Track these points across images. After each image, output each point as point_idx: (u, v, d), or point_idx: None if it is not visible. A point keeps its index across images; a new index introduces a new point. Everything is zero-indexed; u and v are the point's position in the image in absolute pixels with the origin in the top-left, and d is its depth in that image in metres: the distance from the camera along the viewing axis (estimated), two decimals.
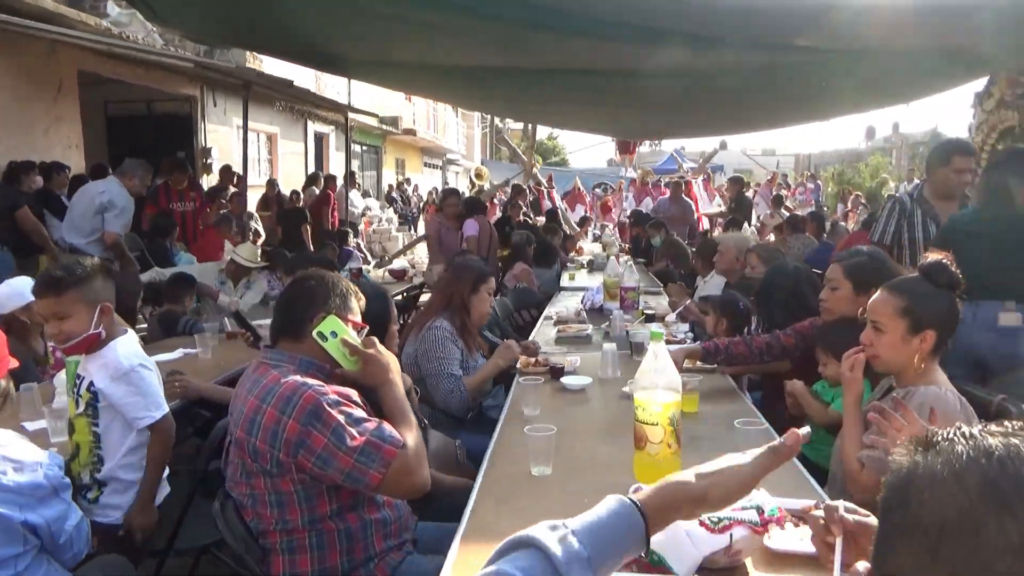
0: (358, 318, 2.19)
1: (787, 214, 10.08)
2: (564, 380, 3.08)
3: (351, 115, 11.84)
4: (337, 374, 2.13)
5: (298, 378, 1.96)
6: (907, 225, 3.83)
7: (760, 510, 1.57)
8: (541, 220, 10.96)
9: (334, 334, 2.08)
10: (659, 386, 1.95)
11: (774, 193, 13.87)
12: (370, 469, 1.89)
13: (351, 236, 10.01)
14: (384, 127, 19.36)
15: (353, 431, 1.90)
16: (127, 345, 2.54)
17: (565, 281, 6.92)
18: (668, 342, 3.78)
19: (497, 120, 32.72)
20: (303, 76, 11.91)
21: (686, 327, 4.22)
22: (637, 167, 18.04)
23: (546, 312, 5.08)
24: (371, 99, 16.44)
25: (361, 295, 2.22)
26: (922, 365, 2.16)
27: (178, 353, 4.00)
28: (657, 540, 1.52)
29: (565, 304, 5.49)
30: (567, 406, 2.86)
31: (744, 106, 10.44)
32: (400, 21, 4.75)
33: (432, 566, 1.89)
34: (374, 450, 1.90)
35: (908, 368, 2.16)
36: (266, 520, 1.97)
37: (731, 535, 1.51)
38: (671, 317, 4.23)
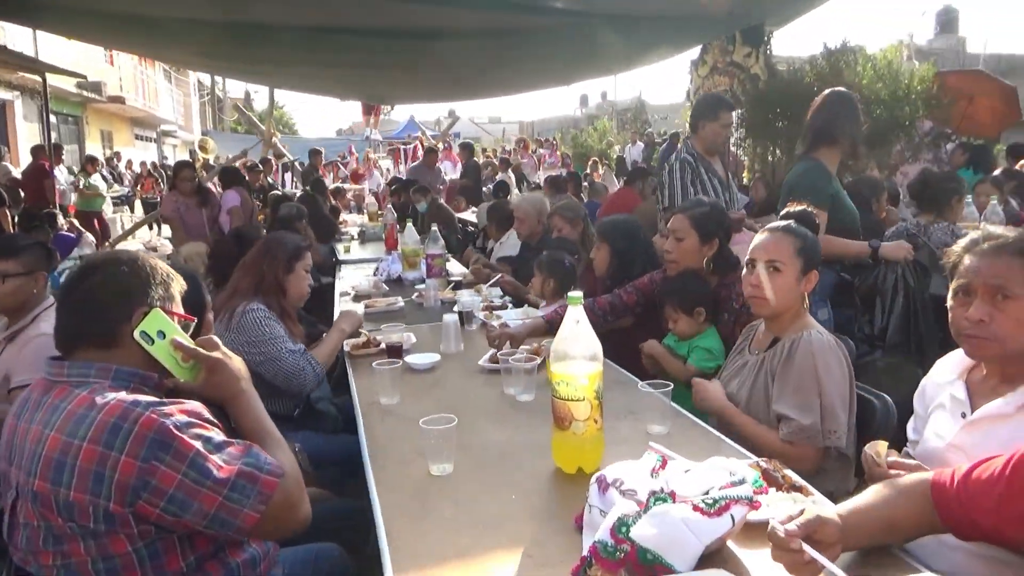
0: (182, 309, 1.68)
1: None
2: (409, 360, 2.74)
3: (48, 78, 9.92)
4: (167, 385, 1.61)
5: (123, 397, 1.44)
6: (699, 183, 3.84)
7: (742, 481, 1.41)
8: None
9: (161, 334, 1.57)
10: (582, 356, 1.72)
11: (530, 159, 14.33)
12: (244, 508, 1.44)
13: (59, 218, 8.46)
14: (85, 93, 16.74)
15: (217, 459, 1.44)
16: None
17: (341, 254, 6.42)
18: (489, 308, 3.60)
19: (218, 89, 30.09)
20: None
21: (499, 292, 4.05)
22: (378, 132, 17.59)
23: (340, 288, 4.61)
24: (63, 58, 14.04)
25: (181, 279, 1.70)
26: (802, 307, 2.19)
27: None
28: (649, 535, 1.30)
29: (353, 278, 5.04)
30: (423, 389, 2.53)
31: (479, 70, 10.57)
32: None
33: None
34: (249, 482, 1.45)
35: (792, 309, 2.16)
36: None
37: (731, 516, 1.32)
38: (486, 287, 4.03)
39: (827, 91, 3.45)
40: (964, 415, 1.69)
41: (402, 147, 17.13)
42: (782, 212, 2.41)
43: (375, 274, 4.82)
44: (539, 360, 2.37)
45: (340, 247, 6.67)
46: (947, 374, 1.79)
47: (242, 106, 22.02)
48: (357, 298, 4.25)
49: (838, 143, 3.27)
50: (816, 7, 9.37)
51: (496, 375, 2.62)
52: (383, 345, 2.93)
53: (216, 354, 1.66)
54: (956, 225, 3.82)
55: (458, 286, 4.27)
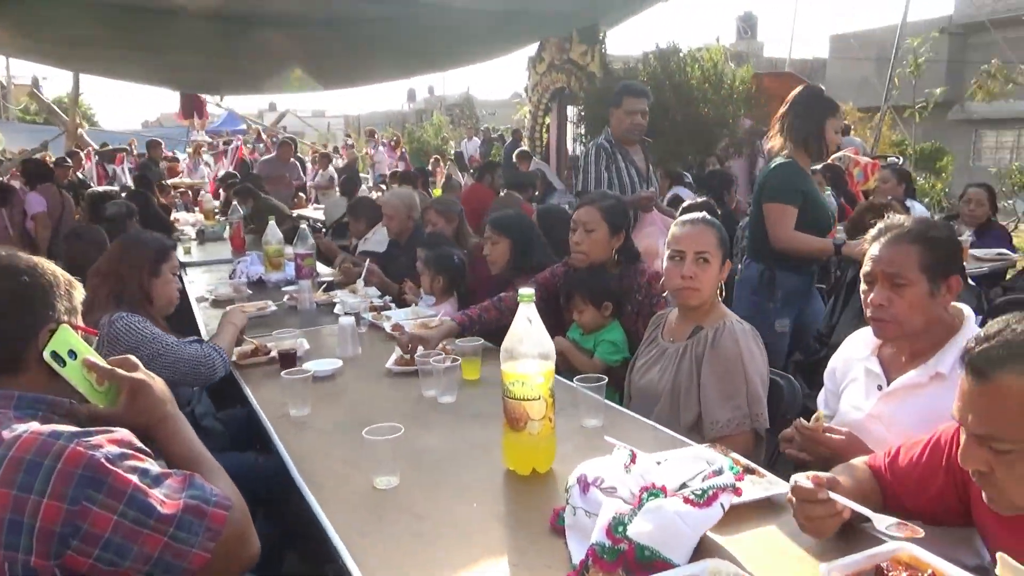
0: (83, 321, 1.46)
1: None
2: (309, 366, 2.55)
3: None
4: (81, 412, 1.39)
5: (38, 428, 1.22)
6: (615, 170, 3.86)
7: (721, 470, 1.43)
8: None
9: (73, 354, 1.36)
10: (537, 354, 1.67)
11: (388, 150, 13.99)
12: (193, 547, 1.26)
13: None
14: None
15: (159, 494, 1.25)
16: None
17: (182, 256, 5.91)
18: (375, 308, 3.45)
19: None
20: None
21: (376, 292, 3.89)
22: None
23: (193, 293, 4.22)
24: None
25: (80, 286, 1.48)
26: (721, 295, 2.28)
27: None
28: (646, 532, 1.29)
29: (204, 283, 4.65)
30: (330, 398, 2.36)
31: (310, 59, 10.16)
32: None
33: None
34: (196, 518, 1.27)
35: (714, 297, 2.25)
36: None
37: (720, 505, 1.33)
38: (359, 283, 3.85)
39: (798, 89, 3.35)
40: (880, 387, 1.83)
41: (223, 145, 16.08)
42: (686, 204, 2.49)
43: (232, 277, 4.47)
44: (459, 360, 2.30)
45: (180, 249, 6.13)
46: (860, 350, 1.93)
47: (27, 96, 19.76)
48: (216, 304, 3.92)
49: (808, 142, 3.21)
50: (646, 8, 9.91)
51: (405, 378, 2.51)
52: (274, 353, 2.71)
53: (137, 374, 1.45)
54: None
55: (330, 287, 4.06)
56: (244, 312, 3.02)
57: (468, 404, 2.25)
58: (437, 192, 9.36)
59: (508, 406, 1.71)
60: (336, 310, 3.50)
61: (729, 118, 9.25)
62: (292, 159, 10.17)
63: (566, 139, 12.15)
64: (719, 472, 1.41)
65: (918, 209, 5.36)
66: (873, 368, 1.85)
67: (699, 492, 1.34)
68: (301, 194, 9.39)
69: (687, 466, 1.47)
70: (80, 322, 1.44)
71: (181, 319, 3.82)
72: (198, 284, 4.63)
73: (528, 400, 1.67)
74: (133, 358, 1.49)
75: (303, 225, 4.22)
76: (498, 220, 3.31)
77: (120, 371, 1.43)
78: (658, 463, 1.49)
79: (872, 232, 1.83)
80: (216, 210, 8.03)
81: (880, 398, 1.81)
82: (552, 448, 1.75)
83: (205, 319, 3.63)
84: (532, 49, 11.62)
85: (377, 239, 4.89)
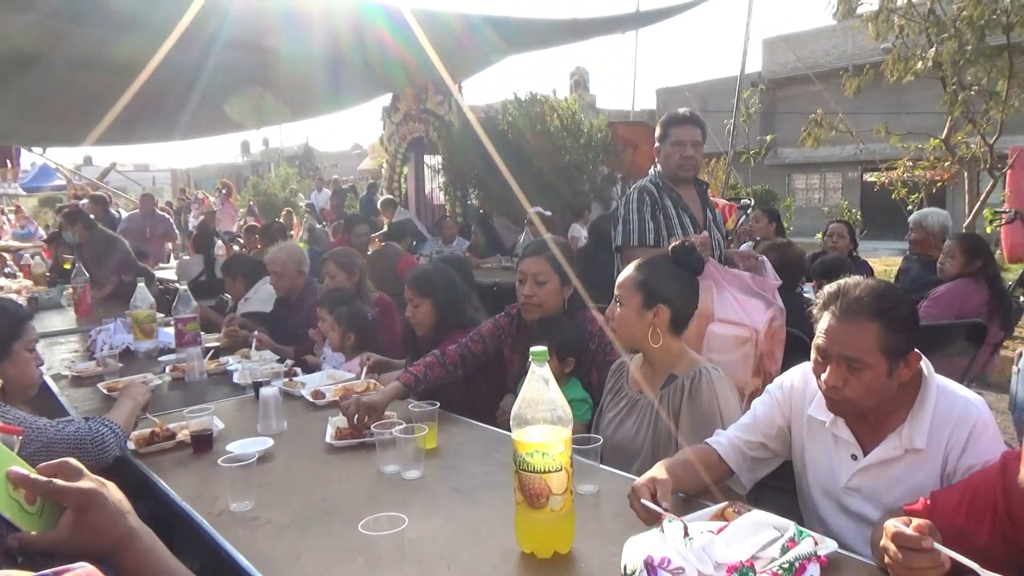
0: None
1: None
2: (231, 448, 2.20)
3: None
4: (11, 546, 1.06)
5: None
6: (663, 217, 3.12)
7: (796, 538, 1.31)
8: None
9: None
10: (555, 419, 1.49)
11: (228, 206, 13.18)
12: None
13: None
14: None
15: None
16: None
17: None
18: (287, 374, 3.12)
19: None
20: None
21: (272, 356, 3.52)
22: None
23: (52, 370, 3.61)
24: None
25: None
26: (659, 342, 2.16)
27: None
28: None
29: (54, 356, 4.03)
30: (270, 484, 2.01)
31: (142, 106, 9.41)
32: None
33: None
34: None
35: (646, 343, 2.16)
36: None
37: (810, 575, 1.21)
38: (253, 350, 3.47)
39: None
40: (855, 456, 1.73)
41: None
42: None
43: (91, 348, 3.90)
44: (425, 428, 2.05)
45: None
46: (820, 409, 1.78)
47: None
48: (78, 381, 3.37)
49: None
50: (493, 64, 10.06)
51: (352, 452, 2.22)
52: (182, 435, 2.32)
53: (83, 483, 1.11)
54: None
55: (217, 354, 3.63)
56: (146, 384, 2.58)
57: (439, 478, 2.00)
58: (303, 246, 8.88)
59: (525, 481, 1.50)
60: (236, 379, 3.11)
61: (589, 164, 9.53)
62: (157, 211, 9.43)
63: (424, 188, 12.05)
64: (793, 540, 1.29)
65: None
66: (842, 436, 1.75)
67: (786, 566, 1.21)
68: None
69: (751, 535, 1.34)
70: None
71: (44, 403, 3.26)
72: (49, 359, 4.00)
73: (549, 472, 1.48)
74: (73, 461, 1.15)
75: (183, 287, 3.76)
76: (416, 281, 3.05)
77: (59, 482, 1.09)
78: (711, 532, 1.35)
79: (825, 294, 1.68)
80: (46, 274, 7.16)
81: (857, 472, 1.72)
82: (573, 524, 1.56)
83: (71, 401, 3.10)
84: (386, 99, 11.47)
85: (260, 297, 4.47)
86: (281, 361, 3.41)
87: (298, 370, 3.26)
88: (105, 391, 3.05)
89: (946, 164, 10.60)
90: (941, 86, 9.75)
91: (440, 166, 10.81)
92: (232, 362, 3.41)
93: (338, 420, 2.38)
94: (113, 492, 1.14)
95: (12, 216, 13.76)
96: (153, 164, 43.95)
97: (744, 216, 8.02)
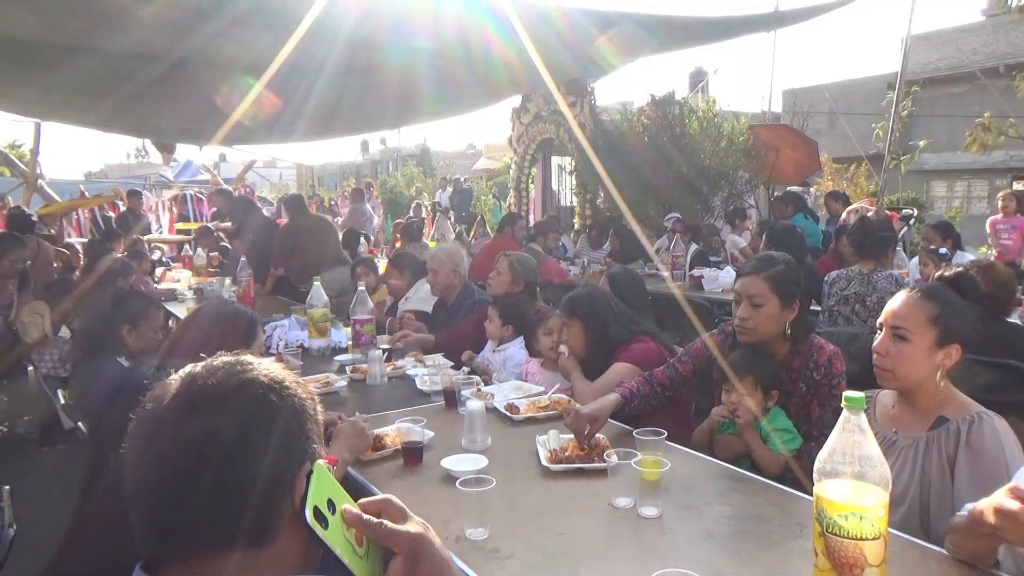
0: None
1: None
2: (447, 465, 2.12)
3: None
4: None
5: None
6: None
7: None
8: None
9: (331, 506, 0.94)
10: (875, 479, 1.30)
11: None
12: None
13: None
14: None
15: None
16: None
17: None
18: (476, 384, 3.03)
19: None
20: None
21: (443, 359, 3.47)
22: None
23: None
24: None
25: (310, 387, 1.07)
26: (941, 383, 1.93)
27: None
28: None
29: None
30: (498, 509, 1.90)
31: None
32: None
33: None
34: None
35: (927, 385, 1.90)
36: None
37: None
38: (438, 356, 3.44)
39: None
40: None
41: (186, 193, 15.34)
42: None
43: (267, 343, 3.97)
44: (667, 463, 1.89)
45: (179, 310, 5.57)
46: None
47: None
48: None
49: None
50: (628, 64, 9.82)
51: (572, 478, 2.08)
52: (395, 445, 2.27)
53: (411, 527, 1.01)
54: (898, 274, 3.91)
55: (389, 356, 3.61)
56: (366, 430, 2.21)
57: (679, 519, 1.83)
58: (433, 245, 8.94)
59: (835, 546, 1.31)
60: (419, 385, 3.06)
61: (728, 169, 9.16)
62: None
63: (551, 189, 11.96)
64: None
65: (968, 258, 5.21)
66: None
67: None
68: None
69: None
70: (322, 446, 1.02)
71: None
72: None
73: (867, 540, 1.29)
74: (395, 499, 1.04)
75: (360, 285, 3.76)
76: (568, 304, 2.98)
77: (391, 525, 0.99)
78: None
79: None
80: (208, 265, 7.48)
81: None
82: None
83: None
84: (516, 100, 11.43)
85: (420, 297, 4.46)
86: (456, 367, 3.35)
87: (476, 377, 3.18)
88: None
89: None
90: None
91: (571, 167, 10.66)
92: (409, 366, 3.37)
93: (549, 440, 2.26)
94: (435, 535, 1.04)
95: (169, 203, 14.57)
96: (280, 160, 45.84)
97: (906, 227, 7.47)
